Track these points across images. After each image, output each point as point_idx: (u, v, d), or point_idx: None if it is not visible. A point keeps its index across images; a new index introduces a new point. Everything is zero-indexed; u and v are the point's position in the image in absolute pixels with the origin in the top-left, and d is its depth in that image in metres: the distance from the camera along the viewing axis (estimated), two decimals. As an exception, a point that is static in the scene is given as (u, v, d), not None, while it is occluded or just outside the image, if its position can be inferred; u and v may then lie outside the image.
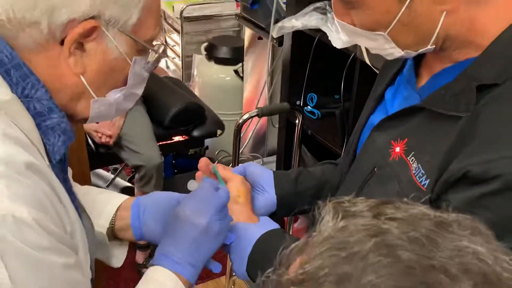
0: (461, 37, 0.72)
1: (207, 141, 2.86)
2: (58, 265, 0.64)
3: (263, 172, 1.07)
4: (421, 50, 0.75)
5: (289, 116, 2.15)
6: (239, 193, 1.02)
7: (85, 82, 0.70)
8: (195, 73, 3.20)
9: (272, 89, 2.61)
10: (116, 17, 0.67)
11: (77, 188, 1.04)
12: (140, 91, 0.81)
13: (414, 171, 0.76)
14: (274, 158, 2.55)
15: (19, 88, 0.67)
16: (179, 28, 3.23)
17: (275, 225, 0.97)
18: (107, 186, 2.66)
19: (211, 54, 3.04)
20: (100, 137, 2.18)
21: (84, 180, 1.36)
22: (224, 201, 0.88)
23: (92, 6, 0.64)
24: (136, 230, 0.95)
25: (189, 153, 3.00)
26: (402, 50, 0.75)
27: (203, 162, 1.06)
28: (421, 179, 0.74)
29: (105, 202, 1.00)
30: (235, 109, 2.99)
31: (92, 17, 0.65)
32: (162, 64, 3.66)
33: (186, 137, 2.50)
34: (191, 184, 0.99)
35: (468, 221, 0.44)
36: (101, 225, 0.97)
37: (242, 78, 2.92)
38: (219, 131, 2.51)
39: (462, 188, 0.68)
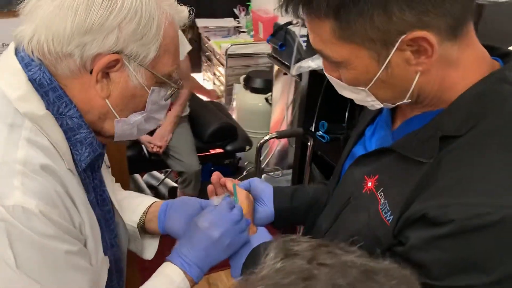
0: (433, 93, 0.65)
1: (240, 154, 2.81)
2: (61, 251, 0.62)
3: (265, 188, 1.01)
4: (398, 103, 0.68)
5: (303, 139, 2.08)
6: (242, 206, 0.97)
7: (109, 105, 0.68)
8: (234, 98, 3.17)
9: (294, 114, 2.54)
10: (136, 53, 0.65)
11: (119, 192, 1.02)
12: (160, 116, 0.78)
13: (381, 206, 0.68)
14: (291, 171, 2.48)
15: (55, 107, 0.66)
16: (224, 62, 3.21)
17: (269, 237, 0.91)
18: (158, 185, 2.65)
19: (248, 84, 3.01)
20: (152, 148, 2.17)
21: (124, 185, 1.33)
22: (237, 219, 0.84)
23: (116, 43, 0.63)
24: (161, 222, 0.94)
25: (225, 163, 2.96)
26: (382, 103, 0.68)
27: (215, 176, 1.02)
28: (386, 214, 0.66)
29: (139, 203, 1.00)
30: (264, 129, 2.93)
31: (116, 52, 0.64)
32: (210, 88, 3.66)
33: (221, 150, 2.47)
34: (217, 200, 0.97)
35: (397, 270, 0.37)
36: (134, 220, 0.96)
37: (271, 104, 2.87)
38: (247, 147, 2.47)
39: (420, 228, 0.61)
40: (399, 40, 0.58)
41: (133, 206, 0.98)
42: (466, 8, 0.59)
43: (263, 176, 2.72)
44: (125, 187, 1.24)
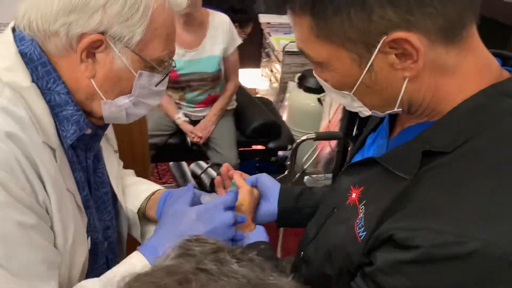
0: (426, 103, 0.59)
1: (288, 153, 2.77)
2: (12, 220, 0.60)
3: (271, 185, 0.99)
4: (387, 112, 0.62)
5: (345, 143, 2.01)
6: (243, 201, 0.95)
7: (94, 85, 0.69)
8: (287, 96, 3.14)
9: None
10: (120, 34, 0.66)
11: (129, 177, 1.04)
12: (152, 102, 0.77)
13: (358, 221, 0.63)
14: (333, 175, 2.40)
15: (44, 82, 0.68)
16: (281, 59, 3.19)
17: (265, 237, 0.89)
18: (201, 174, 2.70)
19: (302, 83, 2.95)
20: (193, 138, 2.21)
21: (145, 172, 1.36)
22: (228, 222, 0.81)
23: (99, 24, 0.64)
24: (159, 210, 0.94)
25: (271, 160, 2.94)
26: (370, 110, 0.63)
27: (224, 168, 1.02)
28: (359, 230, 0.61)
29: (144, 189, 1.00)
30: (314, 130, 2.86)
31: (101, 33, 0.65)
32: (266, 87, 3.66)
33: (263, 147, 2.45)
34: (204, 198, 0.96)
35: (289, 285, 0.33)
36: (135, 205, 0.97)
37: (322, 105, 2.80)
38: (289, 146, 2.42)
39: (387, 250, 0.56)
40: (381, 42, 0.53)
41: (138, 192, 0.99)
42: (463, 9, 0.52)
43: (305, 178, 2.67)
44: (146, 175, 1.26)
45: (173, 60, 0.76)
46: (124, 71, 0.69)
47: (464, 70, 0.56)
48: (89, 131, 0.75)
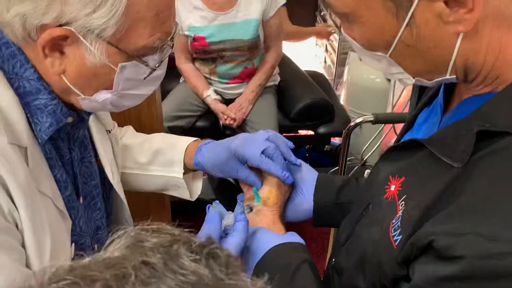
0: (487, 69, 0.54)
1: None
2: None
3: (307, 174, 0.95)
4: (437, 80, 0.58)
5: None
6: (270, 194, 0.93)
7: (66, 81, 0.70)
8: (346, 70, 3.06)
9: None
10: (89, 26, 0.65)
11: (152, 140, 1.09)
12: (145, 91, 0.78)
13: (394, 220, 0.59)
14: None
15: (10, 65, 0.69)
16: (339, 24, 3.10)
17: (297, 239, 0.85)
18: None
19: (365, 53, 2.87)
20: (226, 119, 2.21)
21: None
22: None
23: (60, 15, 0.63)
24: (197, 155, 1.00)
25: (324, 149, 2.88)
26: (413, 77, 0.59)
27: None
28: (395, 233, 0.57)
29: (180, 140, 1.08)
30: (378, 111, 2.77)
31: (65, 24, 0.64)
32: (321, 58, 3.59)
33: (312, 132, 2.40)
34: (226, 218, 0.93)
35: None
36: (178, 160, 1.03)
37: (390, 81, 2.70)
38: (344, 132, 2.36)
39: (426, 261, 0.52)
40: None
41: (171, 149, 1.06)
42: None
43: (366, 171, 2.59)
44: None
45: (171, 40, 0.74)
46: (100, 66, 0.68)
47: None
48: (70, 119, 0.76)
